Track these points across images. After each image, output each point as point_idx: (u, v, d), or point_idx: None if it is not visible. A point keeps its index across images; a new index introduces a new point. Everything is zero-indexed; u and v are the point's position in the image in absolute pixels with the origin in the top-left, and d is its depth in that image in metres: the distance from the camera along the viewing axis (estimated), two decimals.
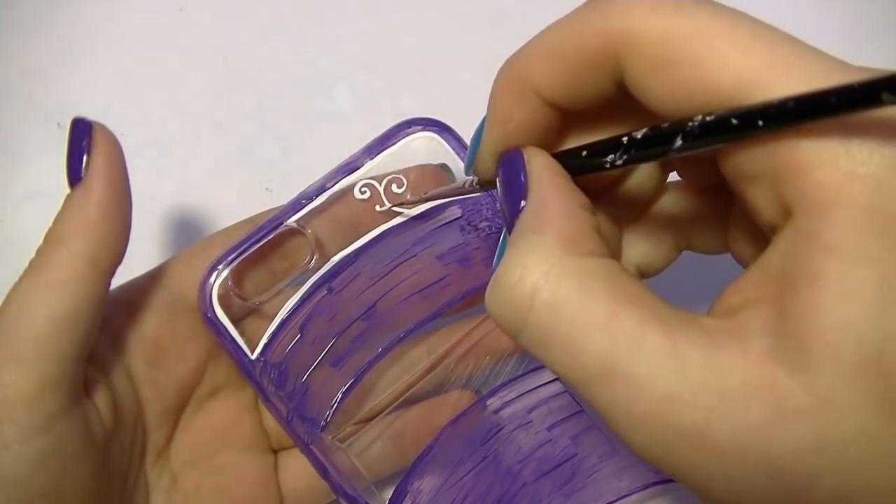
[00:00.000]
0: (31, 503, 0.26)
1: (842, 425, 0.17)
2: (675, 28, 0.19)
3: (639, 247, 0.28)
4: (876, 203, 0.17)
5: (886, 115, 0.17)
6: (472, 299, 0.34)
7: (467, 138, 0.33)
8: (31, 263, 0.27)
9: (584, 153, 0.23)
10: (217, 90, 0.45)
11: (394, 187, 0.33)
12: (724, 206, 0.25)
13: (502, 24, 0.46)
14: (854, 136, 0.17)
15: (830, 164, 0.18)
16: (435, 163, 0.34)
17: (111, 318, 0.30)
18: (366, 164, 0.33)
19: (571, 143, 0.24)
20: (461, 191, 0.28)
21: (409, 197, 0.33)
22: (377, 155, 0.33)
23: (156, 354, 0.32)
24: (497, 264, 0.24)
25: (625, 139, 0.21)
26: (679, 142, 0.20)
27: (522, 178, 0.23)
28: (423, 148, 0.33)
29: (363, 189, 0.33)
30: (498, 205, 0.23)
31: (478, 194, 0.33)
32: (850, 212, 0.17)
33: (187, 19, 0.47)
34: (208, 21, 0.46)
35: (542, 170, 0.23)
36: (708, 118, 0.19)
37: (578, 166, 0.23)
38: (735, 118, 0.18)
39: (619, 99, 0.22)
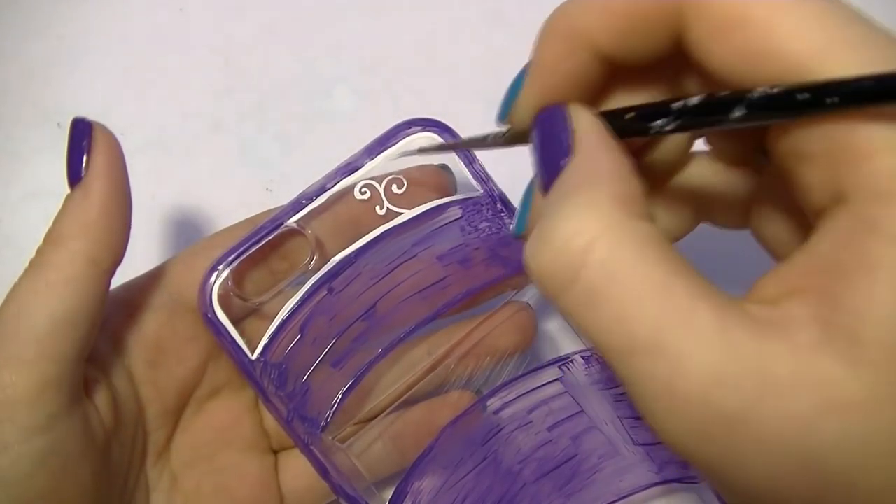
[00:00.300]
0: (30, 503, 0.26)
1: (891, 421, 0.17)
2: None
3: (657, 215, 0.27)
4: None
5: None
6: (472, 300, 0.34)
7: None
8: (31, 263, 0.27)
9: (631, 115, 0.22)
10: (217, 90, 0.45)
11: (394, 188, 0.33)
12: (751, 181, 0.25)
13: (502, 24, 0.46)
14: None
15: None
16: (435, 163, 0.34)
17: (111, 319, 0.30)
18: (366, 165, 0.33)
19: (614, 101, 0.24)
20: (483, 144, 0.26)
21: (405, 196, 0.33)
22: (377, 155, 0.33)
23: (156, 355, 0.32)
24: (521, 222, 0.24)
25: (677, 104, 0.20)
26: (738, 112, 0.19)
27: (566, 134, 0.21)
28: None
29: (363, 189, 0.33)
30: (534, 159, 0.22)
31: (477, 194, 0.33)
32: None
33: (187, 19, 0.47)
34: (208, 21, 0.46)
35: (590, 126, 0.22)
36: (774, 90, 0.18)
37: (621, 128, 0.22)
38: (804, 92, 0.18)
39: (672, 59, 0.21)
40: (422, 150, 0.30)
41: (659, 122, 0.21)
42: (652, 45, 0.21)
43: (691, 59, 0.20)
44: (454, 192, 0.34)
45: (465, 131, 0.33)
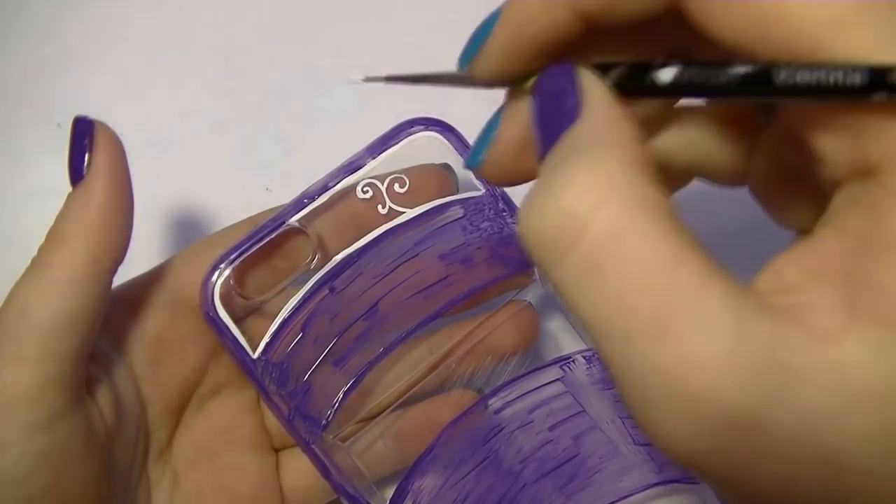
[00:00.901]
0: (32, 502, 0.26)
1: None
2: None
3: None
4: None
5: None
6: (474, 299, 0.34)
7: (468, 138, 0.33)
8: (32, 262, 0.27)
9: (624, 71, 0.20)
10: (217, 90, 0.45)
11: (396, 187, 0.33)
12: (749, 139, 0.23)
13: None
14: None
15: None
16: (437, 162, 0.34)
17: (113, 317, 0.30)
18: (368, 164, 0.33)
19: (593, 59, 0.21)
20: (448, 79, 0.25)
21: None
22: (379, 154, 0.33)
23: (158, 353, 0.32)
24: (475, 152, 0.22)
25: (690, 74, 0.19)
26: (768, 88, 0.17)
27: (574, 96, 0.19)
28: (425, 147, 0.33)
29: (365, 189, 0.33)
30: (532, 120, 0.20)
31: (479, 193, 0.33)
32: None
33: (187, 19, 0.47)
34: (208, 21, 0.46)
35: (600, 89, 0.19)
36: (810, 75, 0.17)
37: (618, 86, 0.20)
38: (851, 73, 0.16)
39: (664, 21, 0.19)
40: (368, 79, 0.27)
41: (666, 76, 0.19)
42: (643, 3, 0.19)
43: (689, 22, 0.19)
44: (456, 191, 0.34)
45: (465, 131, 0.33)
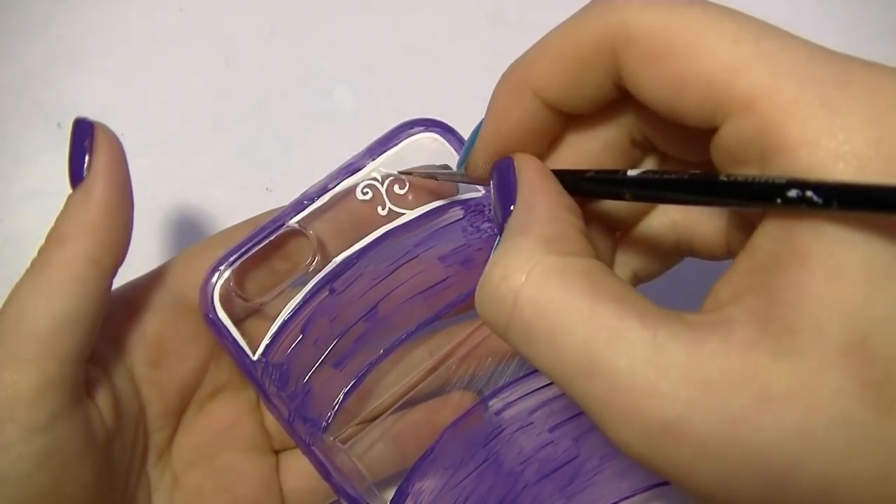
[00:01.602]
0: (32, 502, 0.26)
1: (826, 411, 0.17)
2: (668, 22, 0.20)
3: (637, 251, 0.28)
4: None
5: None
6: (473, 301, 0.34)
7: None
8: (32, 263, 0.27)
9: (589, 179, 0.23)
10: (217, 90, 0.45)
11: (396, 188, 0.33)
12: (723, 217, 0.26)
13: (502, 24, 0.46)
14: (838, 117, 0.18)
15: (815, 143, 0.18)
16: (437, 164, 0.34)
17: (112, 319, 0.30)
18: (368, 165, 0.33)
19: (569, 147, 0.25)
20: (456, 178, 0.28)
21: (410, 198, 0.33)
22: (379, 156, 0.33)
23: (157, 355, 0.32)
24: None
25: (635, 174, 0.21)
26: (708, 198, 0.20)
27: (512, 183, 0.23)
28: (425, 149, 0.33)
29: (365, 190, 0.33)
30: (491, 210, 0.24)
31: (479, 194, 0.33)
32: None
33: (187, 19, 0.46)
34: (208, 21, 0.46)
35: (530, 173, 0.23)
36: (732, 178, 0.19)
37: (576, 187, 0.23)
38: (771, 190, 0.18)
39: (617, 103, 0.23)
40: (402, 173, 0.33)
41: (615, 190, 0.22)
42: (594, 87, 0.22)
43: (630, 94, 0.21)
44: (456, 192, 0.34)
45: (466, 131, 0.33)
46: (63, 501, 0.27)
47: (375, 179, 0.33)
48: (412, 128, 0.33)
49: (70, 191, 0.28)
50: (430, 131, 0.33)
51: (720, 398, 0.18)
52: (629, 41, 0.20)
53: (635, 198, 0.22)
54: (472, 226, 0.33)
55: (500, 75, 0.24)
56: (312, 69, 0.46)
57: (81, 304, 0.27)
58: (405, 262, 0.33)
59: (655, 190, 0.21)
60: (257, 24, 0.46)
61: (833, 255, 0.17)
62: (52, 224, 0.28)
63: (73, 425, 0.27)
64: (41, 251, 0.28)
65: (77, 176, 0.28)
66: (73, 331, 0.27)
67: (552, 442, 0.33)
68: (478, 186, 0.33)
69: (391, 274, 0.33)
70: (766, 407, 0.18)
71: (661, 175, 0.21)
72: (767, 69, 0.18)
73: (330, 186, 0.33)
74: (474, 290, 0.33)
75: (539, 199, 0.23)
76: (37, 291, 0.27)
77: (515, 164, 0.24)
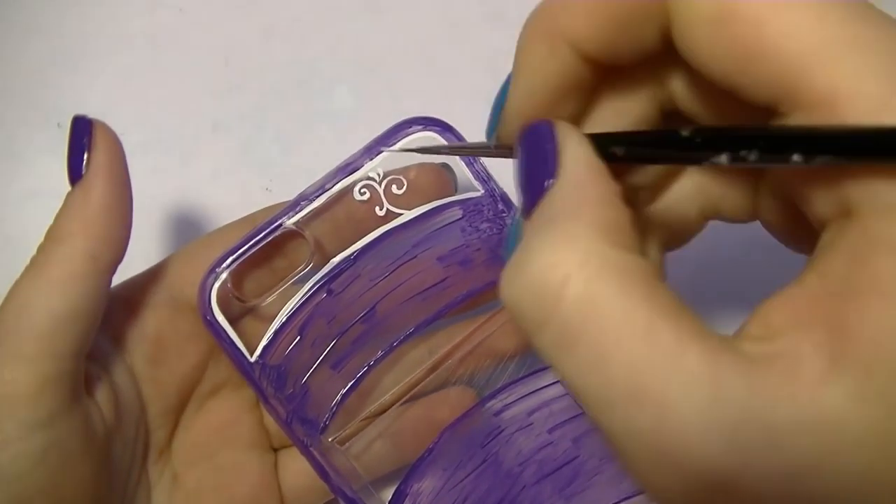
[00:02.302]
0: (31, 500, 0.26)
1: None
2: None
3: (663, 219, 0.25)
4: None
5: None
6: (472, 301, 0.34)
7: (468, 138, 0.33)
8: (32, 260, 0.28)
9: (621, 147, 0.20)
10: (217, 90, 0.45)
11: (394, 188, 0.33)
12: (756, 175, 0.23)
13: (502, 24, 0.46)
14: None
15: None
16: (436, 163, 0.34)
17: (112, 316, 0.30)
18: (366, 165, 0.33)
19: (603, 105, 0.22)
20: (479, 151, 0.26)
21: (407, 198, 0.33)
22: (377, 155, 0.33)
23: (157, 352, 0.32)
24: (510, 248, 0.21)
25: (682, 133, 0.19)
26: (752, 156, 0.17)
27: (552, 152, 0.19)
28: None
29: (363, 190, 0.33)
30: (516, 179, 0.20)
31: (478, 194, 0.33)
32: None
33: (187, 19, 0.46)
34: (208, 21, 0.46)
35: (578, 147, 0.20)
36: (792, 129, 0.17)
37: (611, 154, 0.20)
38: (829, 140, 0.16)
39: (662, 55, 0.20)
40: (422, 151, 0.28)
41: (658, 151, 0.20)
42: (639, 41, 0.19)
43: (680, 57, 0.19)
44: (455, 192, 0.34)
45: (465, 131, 0.33)
46: (62, 498, 0.27)
47: (373, 179, 0.33)
48: (410, 126, 0.33)
49: (69, 189, 0.28)
50: (429, 130, 0.33)
51: (783, 446, 0.16)
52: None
53: (690, 161, 0.19)
54: (470, 226, 0.33)
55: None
56: (312, 69, 0.46)
57: (81, 301, 0.27)
58: (403, 263, 0.33)
59: (718, 148, 0.18)
60: (257, 24, 0.46)
61: None
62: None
63: (73, 422, 0.27)
64: (41, 248, 0.28)
65: (76, 173, 0.28)
66: (72, 328, 0.27)
67: (551, 443, 0.33)
68: (477, 186, 0.33)
69: (389, 274, 0.33)
70: (835, 455, 0.15)
71: (730, 131, 0.18)
72: (855, 62, 0.16)
73: (327, 186, 0.32)
74: (473, 290, 0.33)
75: (590, 176, 0.19)
76: (36, 288, 0.27)
77: (557, 130, 0.20)
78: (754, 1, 0.17)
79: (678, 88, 0.22)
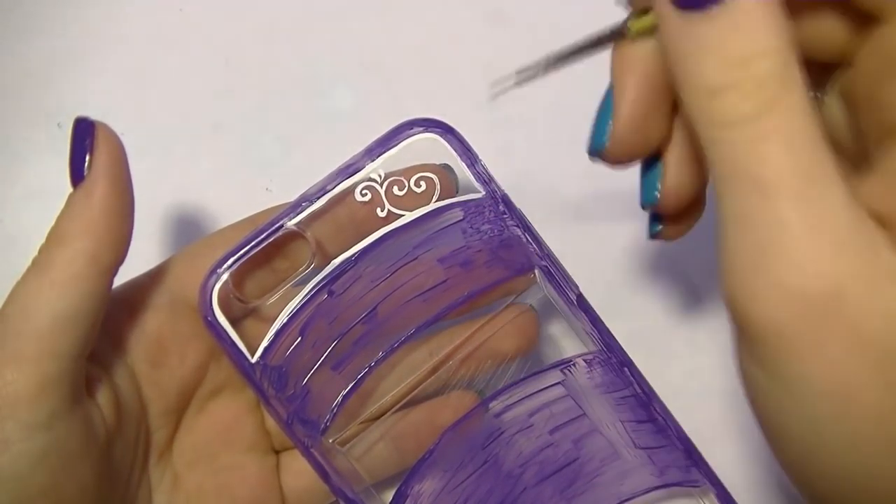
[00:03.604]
0: (31, 501, 0.26)
1: None
2: None
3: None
4: None
5: None
6: (473, 302, 0.34)
7: (469, 138, 0.33)
8: (33, 262, 0.28)
9: None
10: (217, 90, 0.45)
11: (395, 189, 0.33)
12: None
13: (502, 24, 0.46)
14: None
15: None
16: (437, 164, 0.34)
17: (112, 317, 0.30)
18: (367, 166, 0.33)
19: None
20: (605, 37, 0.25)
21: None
22: (378, 157, 0.33)
23: (157, 353, 0.32)
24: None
25: None
26: None
27: None
28: (425, 149, 0.33)
29: (364, 191, 0.33)
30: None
31: (479, 195, 0.33)
32: None
33: (187, 19, 0.46)
34: (208, 21, 0.46)
35: None
36: None
37: None
38: None
39: None
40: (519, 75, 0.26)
41: None
42: None
43: None
44: (456, 192, 0.34)
45: (465, 131, 0.33)
46: (63, 500, 0.27)
47: (374, 181, 0.33)
48: (412, 128, 0.32)
49: (71, 190, 0.28)
50: (430, 131, 0.33)
51: (883, 293, 0.17)
52: None
53: None
54: (471, 227, 0.33)
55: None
56: (312, 69, 0.46)
57: (82, 302, 0.27)
58: (404, 264, 0.33)
59: None
60: (257, 24, 0.46)
61: None
62: (52, 224, 0.28)
63: (74, 424, 0.27)
64: (42, 250, 0.28)
65: (78, 175, 0.28)
66: (73, 329, 0.27)
67: (552, 444, 0.33)
68: (478, 188, 0.33)
69: (390, 276, 0.33)
70: None
71: None
72: None
73: (328, 188, 0.32)
74: (474, 291, 0.33)
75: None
76: (37, 290, 0.27)
77: None
78: None
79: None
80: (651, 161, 0.25)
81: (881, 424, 0.18)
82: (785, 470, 0.21)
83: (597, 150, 0.25)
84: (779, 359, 0.19)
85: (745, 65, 0.18)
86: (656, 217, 0.26)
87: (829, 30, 0.22)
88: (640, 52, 0.23)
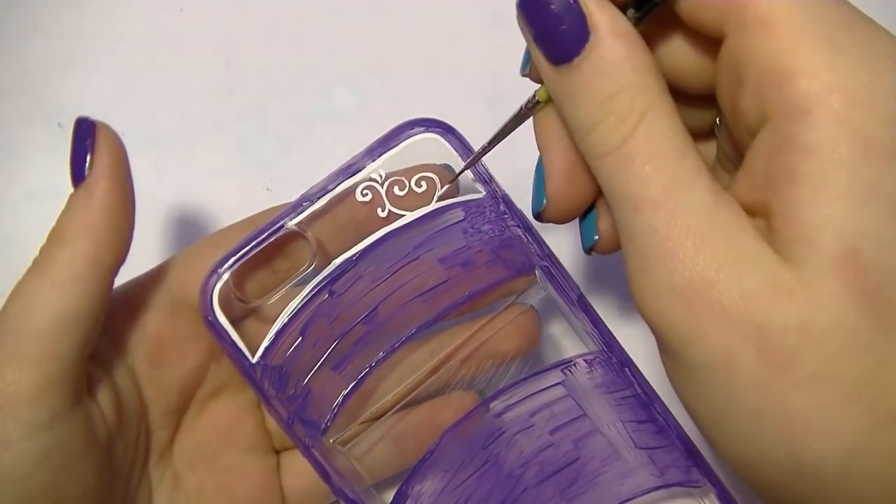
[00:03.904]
0: (32, 501, 0.26)
1: (823, 312, 0.19)
2: None
3: None
4: (850, 114, 0.19)
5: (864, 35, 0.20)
6: (474, 303, 0.34)
7: (469, 138, 0.33)
8: (34, 262, 0.28)
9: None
10: (217, 90, 0.45)
11: (396, 189, 0.33)
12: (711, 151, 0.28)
13: (502, 24, 0.46)
14: (839, 55, 0.20)
15: (813, 74, 0.19)
16: (438, 164, 0.34)
17: (113, 318, 0.31)
18: (368, 166, 0.33)
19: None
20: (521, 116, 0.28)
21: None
22: (379, 157, 0.33)
23: (158, 354, 0.32)
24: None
25: None
26: None
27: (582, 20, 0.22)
28: (425, 149, 0.33)
29: (365, 191, 0.33)
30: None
31: (480, 196, 0.33)
32: (826, 119, 0.19)
33: (187, 19, 0.46)
34: (208, 21, 0.46)
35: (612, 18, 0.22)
36: None
37: None
38: None
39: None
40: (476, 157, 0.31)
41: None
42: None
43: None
44: (457, 192, 0.34)
45: (465, 131, 0.33)
46: (64, 500, 0.27)
47: (375, 181, 0.33)
48: (412, 128, 0.32)
49: (72, 190, 0.28)
50: (431, 132, 0.33)
51: (743, 272, 0.20)
52: None
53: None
54: (472, 227, 0.33)
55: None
56: (312, 69, 0.46)
57: (83, 302, 0.27)
58: (405, 264, 0.33)
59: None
60: (257, 24, 0.46)
61: (821, 174, 0.19)
62: (52, 224, 0.28)
63: (75, 424, 0.27)
64: (43, 250, 0.28)
65: (79, 175, 0.28)
66: (74, 329, 0.27)
67: (552, 444, 0.33)
68: (479, 188, 0.33)
69: (391, 276, 0.33)
70: (774, 294, 0.20)
71: None
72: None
73: (329, 188, 0.32)
74: (475, 292, 0.33)
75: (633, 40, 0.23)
76: (38, 290, 0.27)
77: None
78: None
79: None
80: (587, 209, 0.28)
81: (760, 389, 0.20)
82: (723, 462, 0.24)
83: (538, 214, 0.28)
84: (677, 349, 0.21)
85: (608, 103, 0.22)
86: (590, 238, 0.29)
87: (691, 60, 0.25)
88: (555, 116, 0.26)
